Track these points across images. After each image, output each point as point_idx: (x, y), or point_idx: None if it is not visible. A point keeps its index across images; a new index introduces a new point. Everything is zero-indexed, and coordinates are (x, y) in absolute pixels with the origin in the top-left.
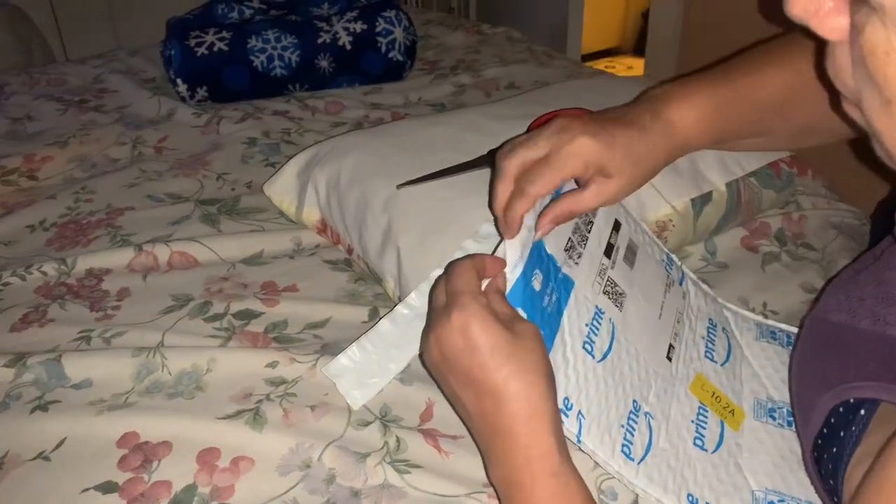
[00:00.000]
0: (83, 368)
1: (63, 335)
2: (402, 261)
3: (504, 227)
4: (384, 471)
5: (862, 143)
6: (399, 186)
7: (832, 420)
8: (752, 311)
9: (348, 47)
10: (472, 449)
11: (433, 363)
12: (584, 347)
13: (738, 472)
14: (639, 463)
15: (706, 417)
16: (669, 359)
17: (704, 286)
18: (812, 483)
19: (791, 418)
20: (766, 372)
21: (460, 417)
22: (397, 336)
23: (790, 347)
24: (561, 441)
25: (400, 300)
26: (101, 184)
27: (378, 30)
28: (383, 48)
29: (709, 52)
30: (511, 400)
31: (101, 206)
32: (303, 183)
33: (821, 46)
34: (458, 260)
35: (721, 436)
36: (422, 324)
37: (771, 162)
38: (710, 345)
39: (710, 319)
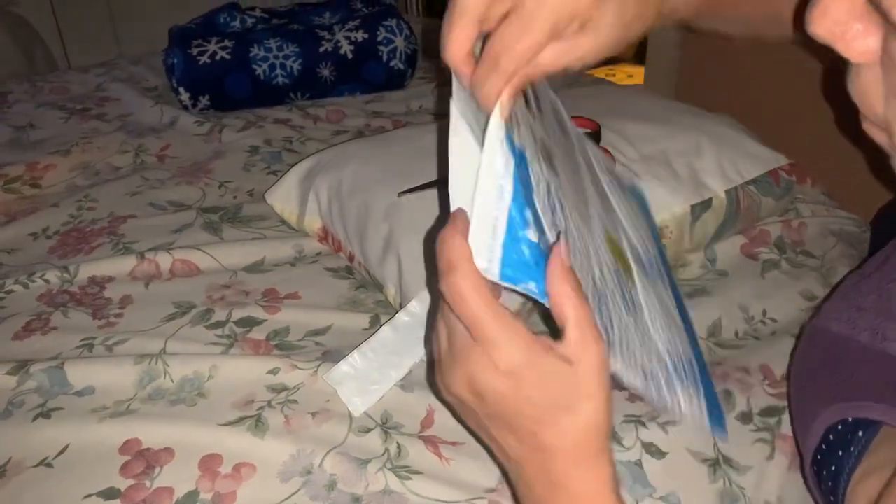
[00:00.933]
0: (86, 376)
1: (65, 343)
2: (402, 268)
3: (481, 100)
4: (385, 477)
5: (870, 155)
6: (400, 194)
7: (830, 437)
8: (752, 319)
9: (350, 56)
10: (472, 455)
11: (461, 401)
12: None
13: (647, 334)
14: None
15: (620, 276)
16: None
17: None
18: (811, 494)
19: (664, 268)
20: (629, 222)
21: (493, 456)
22: (398, 343)
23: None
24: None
25: (401, 307)
26: (103, 192)
27: (379, 39)
28: (384, 57)
29: (709, 61)
30: (569, 459)
31: (103, 214)
32: (304, 191)
33: (836, 62)
34: (456, 275)
35: (632, 296)
36: (423, 331)
37: (770, 170)
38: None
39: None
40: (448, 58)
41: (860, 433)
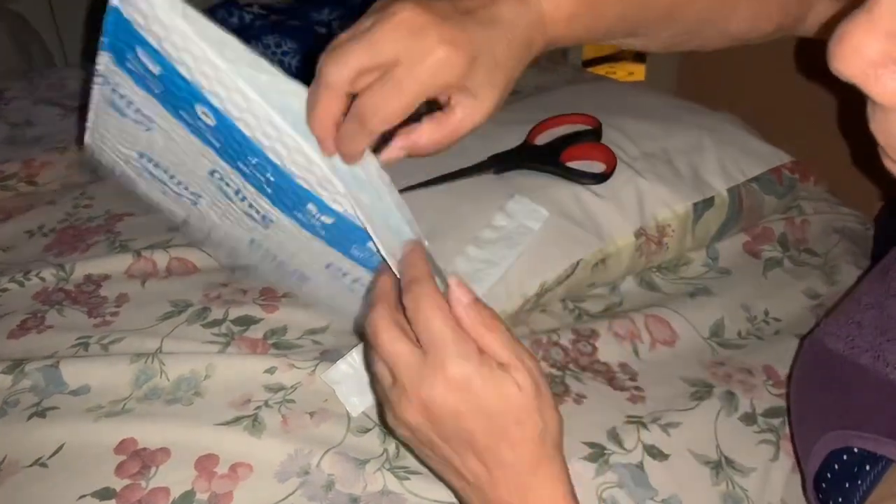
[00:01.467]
0: (81, 375)
1: (61, 341)
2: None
3: (345, 157)
4: (383, 477)
5: (863, 151)
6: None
7: (836, 466)
8: (755, 319)
9: None
10: None
11: (415, 429)
12: None
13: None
14: None
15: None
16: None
17: None
18: None
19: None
20: None
21: (450, 486)
22: None
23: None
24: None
25: None
26: (100, 189)
27: None
28: None
29: (708, 58)
30: (524, 472)
31: (99, 212)
32: None
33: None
34: (416, 292)
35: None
36: None
37: (772, 168)
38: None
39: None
40: (313, 128)
41: (867, 467)
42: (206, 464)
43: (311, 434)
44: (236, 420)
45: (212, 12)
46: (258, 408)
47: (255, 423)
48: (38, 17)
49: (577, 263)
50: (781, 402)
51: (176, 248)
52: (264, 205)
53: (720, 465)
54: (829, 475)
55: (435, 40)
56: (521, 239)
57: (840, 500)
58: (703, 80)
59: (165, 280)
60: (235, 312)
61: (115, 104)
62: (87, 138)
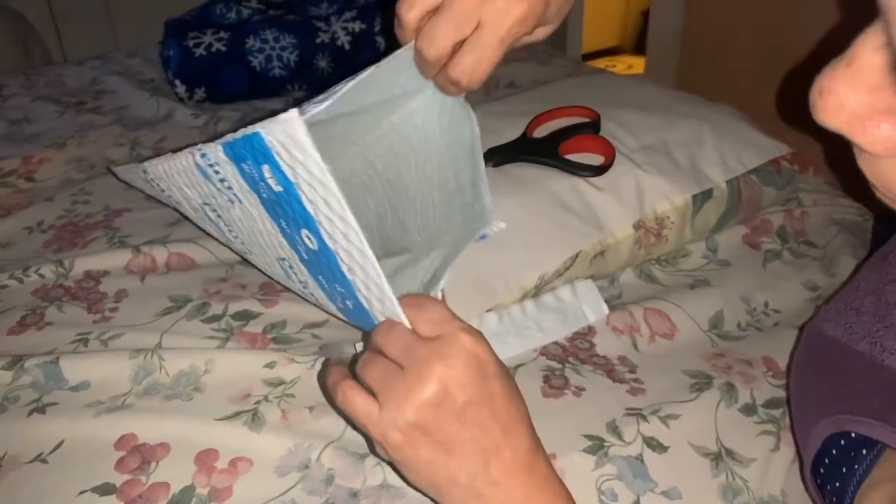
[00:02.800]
0: (81, 370)
1: (61, 337)
2: None
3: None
4: (383, 471)
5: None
6: None
7: (833, 451)
8: (754, 311)
9: (347, 47)
10: None
11: (415, 426)
12: None
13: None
14: None
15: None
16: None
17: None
18: (812, 500)
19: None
20: None
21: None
22: None
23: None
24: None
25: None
26: (98, 185)
27: (376, 29)
28: (382, 48)
29: (709, 50)
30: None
31: (98, 208)
32: None
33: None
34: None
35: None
36: None
37: (772, 159)
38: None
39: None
40: (404, 22)
41: (864, 451)
42: (205, 459)
43: (310, 428)
44: (236, 415)
45: (209, 7)
46: (258, 402)
47: (254, 418)
48: (37, 15)
49: (576, 256)
50: (782, 393)
51: (175, 243)
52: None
53: (720, 457)
54: (826, 460)
55: (511, 2)
56: (575, 323)
57: (837, 484)
58: (703, 73)
59: (165, 275)
60: (235, 307)
61: (204, 171)
62: (146, 167)
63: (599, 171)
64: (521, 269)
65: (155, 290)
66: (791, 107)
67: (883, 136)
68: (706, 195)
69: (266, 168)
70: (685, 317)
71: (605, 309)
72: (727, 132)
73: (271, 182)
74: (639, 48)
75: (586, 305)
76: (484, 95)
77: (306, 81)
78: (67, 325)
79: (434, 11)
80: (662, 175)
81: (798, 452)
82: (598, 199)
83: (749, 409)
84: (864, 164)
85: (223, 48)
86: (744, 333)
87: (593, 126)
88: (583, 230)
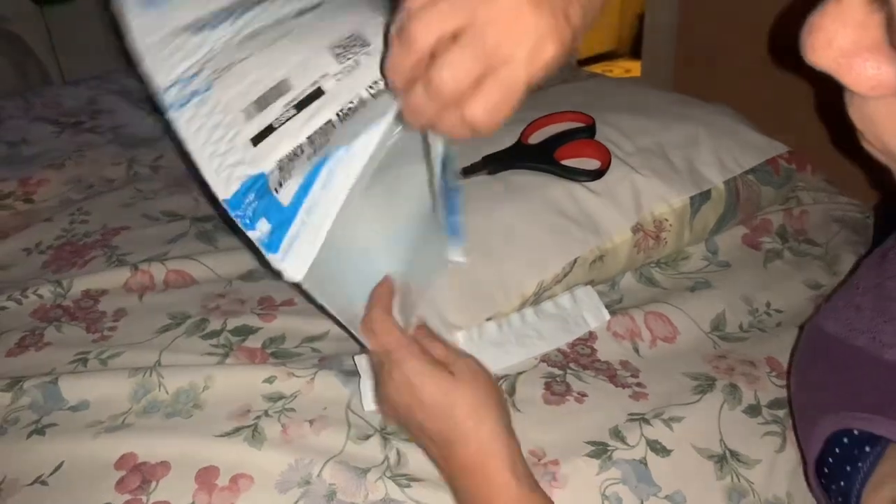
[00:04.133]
0: (80, 390)
1: (60, 358)
2: None
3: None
4: (385, 485)
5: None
6: None
7: (836, 450)
8: (756, 311)
9: None
10: None
11: (392, 419)
12: None
13: None
14: None
15: None
16: None
17: None
18: (816, 500)
19: None
20: None
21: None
22: None
23: None
24: (519, 471)
25: None
26: (96, 204)
27: None
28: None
29: (705, 54)
30: (464, 444)
31: (96, 227)
32: None
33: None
34: (372, 314)
35: None
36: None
37: (769, 159)
38: None
39: None
40: (418, 45)
41: (867, 448)
42: (206, 476)
43: (311, 443)
44: (236, 431)
45: None
46: (258, 418)
47: (254, 434)
48: (35, 37)
49: (575, 261)
50: (786, 394)
51: (173, 260)
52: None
53: (724, 459)
54: (830, 460)
55: (540, 39)
56: (576, 329)
57: (842, 483)
58: (700, 74)
59: (163, 293)
60: (233, 322)
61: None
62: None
63: (595, 175)
64: (520, 277)
65: (153, 308)
66: (784, 48)
67: (868, 75)
68: (704, 197)
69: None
70: (686, 319)
71: (606, 315)
72: (723, 133)
73: None
74: (635, 52)
75: (587, 312)
76: None
77: None
78: (66, 345)
79: (452, 38)
80: (659, 178)
81: (801, 454)
82: (594, 203)
83: (753, 410)
84: (853, 111)
85: None
86: (746, 334)
87: (588, 131)
88: (580, 236)
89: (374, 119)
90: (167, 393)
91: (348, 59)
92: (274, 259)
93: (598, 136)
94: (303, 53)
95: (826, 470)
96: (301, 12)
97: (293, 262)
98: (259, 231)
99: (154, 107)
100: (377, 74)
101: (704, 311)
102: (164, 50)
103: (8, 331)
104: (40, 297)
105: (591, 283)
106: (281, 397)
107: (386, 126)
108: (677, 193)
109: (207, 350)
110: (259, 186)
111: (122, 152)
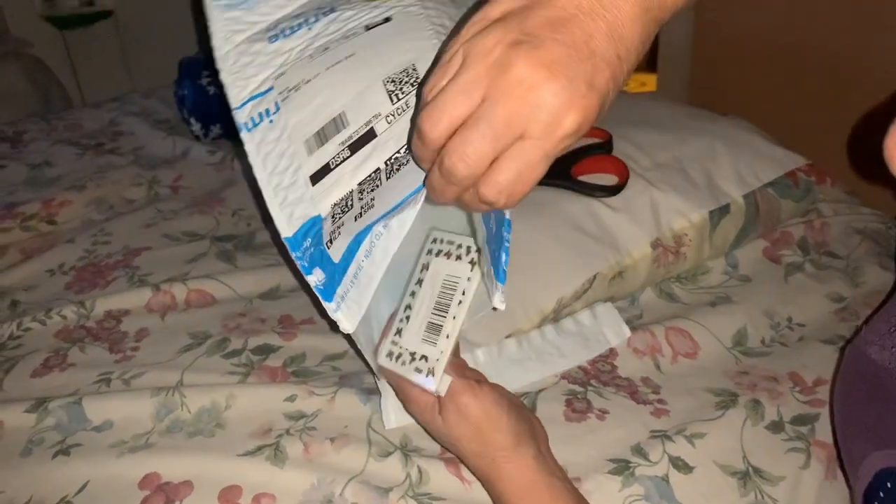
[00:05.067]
0: (104, 410)
1: (83, 378)
2: None
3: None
4: None
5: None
6: None
7: (888, 484)
8: (778, 326)
9: None
10: None
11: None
12: None
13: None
14: None
15: None
16: None
17: None
18: None
19: None
20: None
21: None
22: None
23: None
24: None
25: None
26: (118, 225)
27: None
28: None
29: (721, 66)
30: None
31: (118, 248)
32: None
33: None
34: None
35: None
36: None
37: (788, 171)
38: None
39: None
40: (430, 140)
41: None
42: (229, 496)
43: (332, 461)
44: (258, 450)
45: None
46: (279, 436)
47: (276, 453)
48: (56, 61)
49: (594, 277)
50: (810, 409)
51: (194, 280)
52: None
53: (748, 475)
54: (881, 494)
55: (558, 110)
56: (596, 347)
57: None
58: (716, 86)
59: (184, 312)
60: (254, 342)
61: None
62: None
63: (613, 191)
64: (539, 294)
65: (175, 328)
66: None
67: None
68: (723, 211)
69: None
70: (708, 335)
71: (627, 331)
72: (741, 146)
73: None
74: (651, 65)
75: (607, 328)
76: None
77: None
78: (90, 365)
79: (463, 124)
80: (677, 192)
81: (845, 477)
82: (613, 219)
83: (776, 427)
84: None
85: None
86: (768, 349)
87: (605, 146)
88: (599, 252)
89: (413, 182)
90: (189, 412)
91: (400, 98)
92: (329, 308)
93: (615, 152)
94: (361, 83)
95: (876, 503)
96: (368, 27)
97: (344, 314)
98: (315, 278)
99: (172, 128)
100: None
101: (725, 326)
102: (240, 59)
103: (33, 351)
104: (64, 317)
105: (611, 299)
106: (302, 416)
107: (419, 206)
108: (696, 208)
109: (229, 369)
110: (315, 231)
111: (142, 173)
